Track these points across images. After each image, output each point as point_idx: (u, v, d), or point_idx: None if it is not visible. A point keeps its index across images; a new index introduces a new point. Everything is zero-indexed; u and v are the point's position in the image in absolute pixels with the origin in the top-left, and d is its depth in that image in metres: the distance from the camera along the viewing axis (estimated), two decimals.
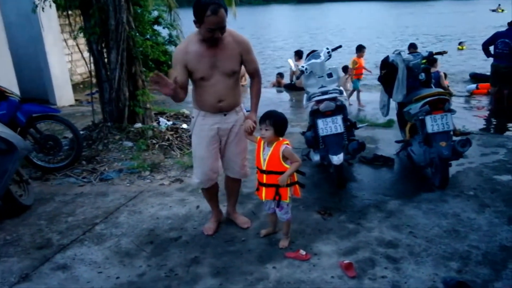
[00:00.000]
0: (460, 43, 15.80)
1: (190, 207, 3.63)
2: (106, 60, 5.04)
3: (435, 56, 4.79)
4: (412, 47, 9.04)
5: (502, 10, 39.14)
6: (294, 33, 29.88)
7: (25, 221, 3.43)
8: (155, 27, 12.43)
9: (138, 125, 5.17)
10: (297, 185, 2.93)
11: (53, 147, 4.43)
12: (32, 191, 3.79)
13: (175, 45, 13.97)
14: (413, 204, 3.63)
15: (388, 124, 6.19)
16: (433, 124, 3.75)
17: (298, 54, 10.47)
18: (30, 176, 4.33)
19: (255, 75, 3.05)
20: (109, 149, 4.83)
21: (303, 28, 31.54)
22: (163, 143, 4.96)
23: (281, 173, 2.76)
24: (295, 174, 2.86)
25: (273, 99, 9.39)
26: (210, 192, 3.22)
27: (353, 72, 8.78)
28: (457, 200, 3.69)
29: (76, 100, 8.26)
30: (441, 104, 3.77)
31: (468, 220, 3.34)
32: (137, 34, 5.01)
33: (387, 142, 5.31)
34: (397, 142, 4.65)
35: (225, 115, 2.92)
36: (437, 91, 3.91)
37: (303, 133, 4.50)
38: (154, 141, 4.95)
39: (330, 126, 3.83)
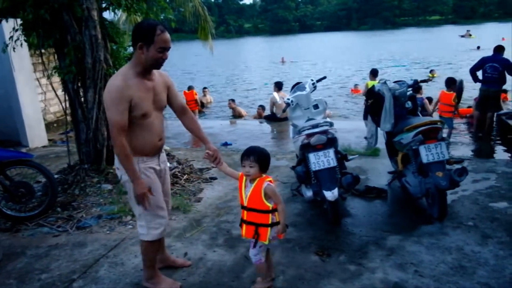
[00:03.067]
0: (431, 71, 16.20)
1: (177, 255, 3.34)
2: (82, 99, 4.79)
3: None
4: (373, 73, 8.76)
5: (470, 35, 40.91)
6: (266, 64, 30.31)
7: None
8: None
9: None
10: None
11: (24, 194, 4.09)
12: (0, 246, 3.43)
13: None
14: (413, 239, 3.45)
15: (374, 153, 6.10)
16: (427, 153, 3.64)
17: (278, 86, 10.45)
18: None
19: (186, 109, 2.89)
20: (86, 193, 4.51)
21: (276, 59, 32.07)
22: None
23: (262, 211, 2.58)
24: (276, 213, 2.63)
25: (254, 131, 9.27)
26: (161, 242, 2.95)
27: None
28: (458, 232, 3.54)
29: (49, 140, 7.89)
30: (434, 133, 3.68)
31: (473, 254, 3.18)
32: (115, 71, 4.81)
33: (376, 172, 5.19)
34: (390, 173, 4.51)
35: (159, 155, 2.75)
36: (429, 120, 3.82)
37: (293, 168, 4.32)
38: None
39: (322, 160, 3.66)
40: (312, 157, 3.68)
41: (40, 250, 3.53)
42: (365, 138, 5.19)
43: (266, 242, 2.64)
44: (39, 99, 7.99)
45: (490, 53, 7.54)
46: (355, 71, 22.32)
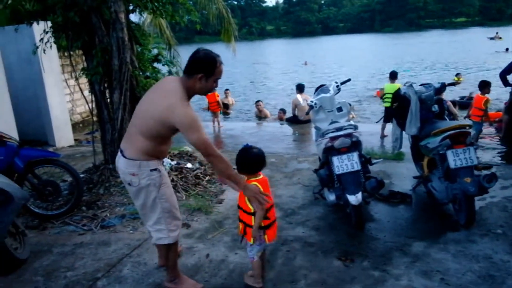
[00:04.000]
0: (457, 75, 15.77)
1: (199, 256, 3.36)
2: (108, 100, 4.89)
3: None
4: (392, 76, 8.40)
5: (500, 38, 39.76)
6: (289, 66, 30.23)
7: (20, 278, 3.14)
8: (155, 64, 12.57)
9: None
10: (270, 230, 2.75)
11: (51, 193, 4.19)
12: (28, 243, 3.52)
13: None
14: (439, 246, 3.37)
15: (399, 157, 5.99)
16: (455, 159, 3.54)
17: (300, 88, 10.41)
18: (26, 224, 4.07)
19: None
20: (110, 193, 4.59)
21: (298, 61, 31.95)
22: None
23: (247, 212, 2.69)
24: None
25: (276, 133, 9.23)
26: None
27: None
28: (486, 240, 3.43)
29: (75, 140, 8.08)
30: (462, 138, 3.58)
31: (502, 263, 3.08)
32: (141, 73, 4.89)
33: (401, 177, 5.10)
34: (415, 177, 4.42)
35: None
36: (458, 124, 3.73)
37: (315, 171, 4.29)
38: None
39: (346, 163, 3.61)
40: (335, 160, 3.64)
41: (66, 248, 3.61)
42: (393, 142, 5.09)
43: (251, 242, 2.72)
44: (66, 100, 8.20)
45: None
46: (380, 74, 22.01)
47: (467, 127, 3.67)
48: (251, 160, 2.68)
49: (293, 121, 10.20)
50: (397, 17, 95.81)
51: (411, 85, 4.47)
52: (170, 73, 13.64)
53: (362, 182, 3.68)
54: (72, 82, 7.83)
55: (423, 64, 25.51)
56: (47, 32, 4.93)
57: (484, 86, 7.16)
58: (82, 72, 4.92)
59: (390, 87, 7.88)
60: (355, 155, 3.64)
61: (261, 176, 2.73)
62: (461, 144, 3.57)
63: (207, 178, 5.12)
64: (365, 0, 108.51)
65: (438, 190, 3.81)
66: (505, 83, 7.20)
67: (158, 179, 2.62)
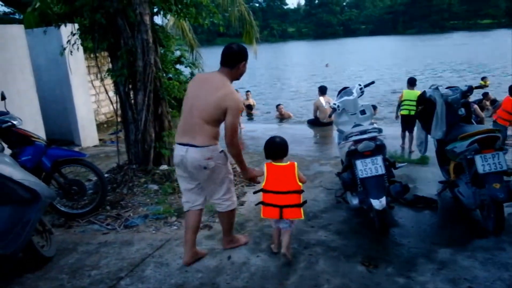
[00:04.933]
0: (483, 78, 15.32)
1: (220, 258, 3.35)
2: (132, 101, 4.96)
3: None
4: (410, 83, 7.67)
5: None
6: (311, 68, 30.08)
7: (46, 275, 3.20)
8: (177, 66, 12.72)
9: (164, 167, 5.00)
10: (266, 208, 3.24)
11: (77, 192, 4.27)
12: (54, 241, 3.59)
13: None
14: (466, 253, 3.27)
15: (423, 161, 5.88)
16: (484, 164, 3.44)
17: (322, 90, 10.34)
18: (52, 222, 4.16)
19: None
20: (134, 193, 4.65)
21: (320, 63, 31.77)
22: None
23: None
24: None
25: (297, 135, 9.13)
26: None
27: None
28: None
29: (100, 139, 8.23)
30: (491, 142, 3.48)
31: None
32: (164, 75, 4.94)
33: (425, 181, 4.99)
34: (440, 182, 4.31)
35: None
36: (486, 128, 3.62)
37: (338, 174, 4.24)
38: None
39: (370, 167, 3.56)
40: (359, 164, 3.59)
41: (90, 247, 3.67)
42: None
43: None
44: (91, 100, 8.37)
45: None
46: (404, 75, 21.66)
47: (496, 132, 3.56)
48: (273, 148, 3.21)
49: (315, 123, 10.14)
50: (420, 19, 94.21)
51: (436, 88, 4.38)
52: (192, 74, 13.81)
53: (386, 186, 3.62)
54: (97, 83, 7.99)
55: (448, 67, 24.98)
56: (74, 34, 5.05)
57: None
58: (107, 74, 5.01)
59: (408, 94, 7.41)
60: (379, 159, 3.58)
61: (288, 163, 3.18)
62: (490, 149, 3.47)
63: None
64: (388, 2, 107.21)
65: (465, 196, 3.71)
66: None
67: (225, 159, 3.10)
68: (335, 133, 4.67)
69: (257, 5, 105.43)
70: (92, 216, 4.25)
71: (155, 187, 4.71)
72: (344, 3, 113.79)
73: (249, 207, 4.40)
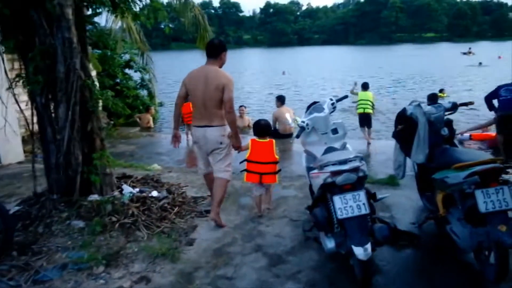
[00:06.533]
0: (440, 91, 15.34)
1: None
2: (53, 115, 3.96)
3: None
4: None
5: (471, 53, 41.62)
6: (267, 75, 29.63)
7: None
8: (126, 70, 11.61)
9: (94, 197, 4.01)
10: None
11: None
12: None
13: (148, 89, 13.09)
14: None
15: (392, 181, 5.28)
16: (486, 201, 2.83)
17: (280, 100, 9.65)
18: None
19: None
20: (52, 232, 3.65)
21: (276, 70, 31.46)
22: (126, 220, 3.84)
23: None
24: None
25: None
26: None
27: None
28: None
29: (30, 152, 6.94)
30: (494, 175, 2.88)
31: None
32: (94, 83, 3.98)
33: (401, 209, 4.40)
34: (428, 218, 3.66)
35: None
36: (489, 158, 3.01)
37: (308, 208, 3.51)
38: (114, 218, 3.80)
39: (350, 205, 2.85)
40: (337, 201, 2.86)
41: None
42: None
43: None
44: (15, 109, 7.14)
45: (491, 70, 6.92)
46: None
47: (498, 162, 2.96)
48: (259, 128, 4.20)
49: (274, 135, 9.40)
50: (370, 31, 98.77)
51: (418, 105, 3.79)
52: (142, 79, 12.70)
53: (370, 226, 2.93)
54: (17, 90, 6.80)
55: (400, 77, 25.39)
56: None
57: None
58: (17, 80, 3.94)
59: (362, 95, 8.75)
60: (361, 194, 2.88)
61: (267, 139, 4.19)
62: (493, 183, 2.86)
63: (176, 209, 4.26)
64: (340, 13, 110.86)
65: (461, 237, 3.08)
66: (490, 107, 6.85)
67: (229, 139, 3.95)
68: (296, 147, 4.11)
69: (213, 11, 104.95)
70: None
71: (81, 224, 3.73)
72: (298, 13, 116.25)
73: (199, 248, 3.57)
